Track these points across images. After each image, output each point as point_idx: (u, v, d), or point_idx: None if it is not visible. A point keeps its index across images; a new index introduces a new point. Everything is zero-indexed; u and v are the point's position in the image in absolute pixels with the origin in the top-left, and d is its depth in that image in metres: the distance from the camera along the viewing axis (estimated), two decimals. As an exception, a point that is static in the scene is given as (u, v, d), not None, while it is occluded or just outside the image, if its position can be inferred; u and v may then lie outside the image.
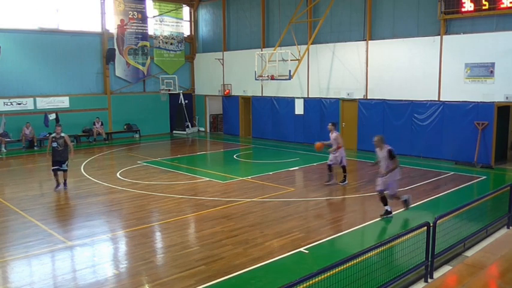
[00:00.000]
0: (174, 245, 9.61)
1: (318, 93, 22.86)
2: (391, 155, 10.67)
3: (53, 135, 14.45)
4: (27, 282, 7.92)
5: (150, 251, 9.40)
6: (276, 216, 11.46)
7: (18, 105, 23.22)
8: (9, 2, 22.78)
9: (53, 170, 14.46)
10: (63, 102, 24.67)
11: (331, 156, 14.55)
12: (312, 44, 22.00)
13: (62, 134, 14.31)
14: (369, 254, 6.70)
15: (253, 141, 24.99)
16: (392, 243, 7.37)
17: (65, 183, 14.62)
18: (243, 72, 25.52)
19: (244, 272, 8.10)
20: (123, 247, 9.77)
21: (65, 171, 14.56)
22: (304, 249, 9.12)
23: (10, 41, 22.61)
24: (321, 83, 22.70)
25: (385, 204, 11.00)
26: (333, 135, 14.30)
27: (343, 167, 14.59)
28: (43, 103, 23.97)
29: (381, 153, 10.87)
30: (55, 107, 24.28)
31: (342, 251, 9.15)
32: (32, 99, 23.61)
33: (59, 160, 14.32)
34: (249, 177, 15.92)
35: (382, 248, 7.02)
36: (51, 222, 11.23)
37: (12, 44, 22.65)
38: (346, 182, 14.57)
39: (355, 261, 6.38)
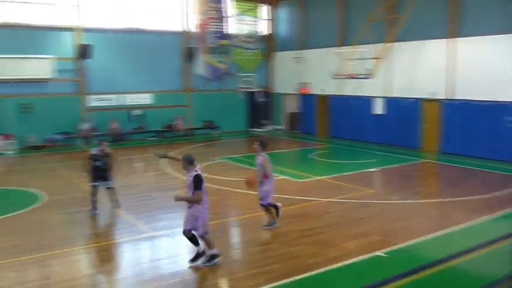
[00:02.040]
0: (249, 241, 9.74)
1: (398, 93, 22.19)
2: (196, 184, 7.99)
3: (95, 152, 11.77)
4: (108, 268, 8.36)
5: (225, 246, 9.58)
6: (353, 217, 11.27)
7: (106, 101, 24.56)
8: (100, 3, 24.14)
9: (93, 185, 11.64)
10: (147, 99, 25.76)
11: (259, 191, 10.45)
12: (392, 41, 21.39)
13: (108, 151, 11.90)
14: (452, 262, 6.40)
15: (331, 140, 24.72)
16: (477, 252, 6.99)
17: (116, 202, 12.18)
18: (321, 70, 25.30)
19: (319, 272, 8.04)
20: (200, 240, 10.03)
21: (111, 188, 12.07)
22: (382, 252, 8.89)
23: (101, 40, 23.95)
24: (401, 82, 22.01)
25: (196, 244, 8.45)
26: (259, 159, 10.23)
27: (266, 206, 10.44)
28: (129, 99, 25.18)
29: (188, 178, 8.21)
30: (139, 103, 25.42)
31: (422, 256, 8.81)
32: (119, 95, 24.87)
33: (102, 176, 11.77)
34: (326, 176, 15.77)
35: (466, 257, 6.68)
36: (136, 212, 11.76)
37: (102, 43, 23.98)
38: (276, 224, 10.50)
39: (435, 269, 6.13)
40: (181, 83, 27.06)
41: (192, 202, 8.09)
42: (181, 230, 10.00)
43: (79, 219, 11.35)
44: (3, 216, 11.42)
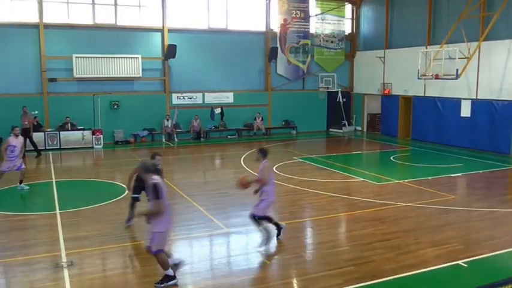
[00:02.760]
0: (324, 243, 9.65)
1: (488, 95, 20.95)
2: (153, 192, 7.17)
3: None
4: (187, 262, 8.63)
5: (300, 245, 9.57)
6: (433, 224, 10.81)
7: (188, 99, 25.38)
8: (185, 5, 24.97)
9: (135, 197, 10.49)
10: (228, 97, 26.29)
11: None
12: (484, 40, 20.24)
13: (160, 167, 9.98)
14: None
15: (412, 143, 23.87)
16: None
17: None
18: (405, 70, 24.49)
19: (394, 278, 7.80)
20: (274, 239, 10.09)
21: None
22: (463, 262, 8.45)
23: (184, 40, 24.79)
24: (492, 83, 20.75)
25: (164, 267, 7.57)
26: (260, 165, 9.69)
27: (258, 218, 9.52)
28: (210, 98, 25.85)
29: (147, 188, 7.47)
30: (220, 101, 26.02)
31: (506, 269, 8.29)
32: (200, 94, 25.61)
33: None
34: (406, 180, 15.25)
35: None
36: (212, 208, 12.05)
37: (186, 43, 24.81)
38: (267, 242, 9.43)
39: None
40: (262, 82, 27.33)
41: (156, 215, 7.21)
42: (255, 228, 10.10)
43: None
44: (91, 206, 12.17)
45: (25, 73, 22.24)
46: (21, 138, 14.46)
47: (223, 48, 25.88)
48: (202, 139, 24.86)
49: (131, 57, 23.45)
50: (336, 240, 9.99)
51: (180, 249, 9.36)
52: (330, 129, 28.83)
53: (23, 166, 14.18)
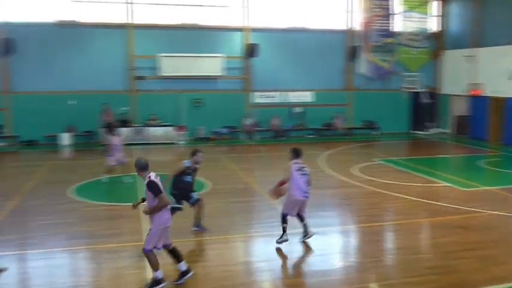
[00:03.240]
0: (405, 248, 9.34)
1: None
2: (151, 190, 7.08)
3: (188, 165, 9.82)
4: (264, 259, 8.72)
5: (379, 249, 9.34)
6: (525, 234, 10.13)
7: (268, 98, 25.58)
8: (267, 4, 25.17)
9: (177, 208, 9.74)
10: (307, 97, 26.19)
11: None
12: None
13: (199, 166, 10.12)
14: None
15: (504, 148, 22.44)
16: None
17: (198, 225, 10.18)
18: (496, 70, 23.09)
19: (481, 290, 7.40)
20: (353, 241, 9.92)
21: (197, 202, 10.12)
22: (559, 277, 7.84)
23: (266, 39, 24.99)
24: None
25: (178, 260, 7.57)
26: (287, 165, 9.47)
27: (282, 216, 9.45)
28: (290, 97, 25.88)
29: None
30: (300, 101, 25.98)
31: None
32: (280, 93, 25.71)
33: (188, 195, 10.03)
34: (495, 187, 14.38)
35: None
36: (290, 208, 12.03)
37: (267, 42, 25.00)
38: (284, 238, 9.36)
39: None
40: (343, 81, 26.94)
41: (157, 211, 7.15)
42: (333, 228, 9.99)
43: (239, 208, 12.02)
44: (174, 200, 12.60)
45: (114, 71, 23.52)
46: (120, 136, 15.75)
47: (303, 47, 25.80)
48: (281, 138, 24.94)
49: (213, 57, 24.04)
50: (418, 246, 9.64)
51: (259, 247, 9.46)
52: (413, 131, 27.83)
53: (125, 159, 15.20)
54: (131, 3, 23.46)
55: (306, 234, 9.52)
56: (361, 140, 24.78)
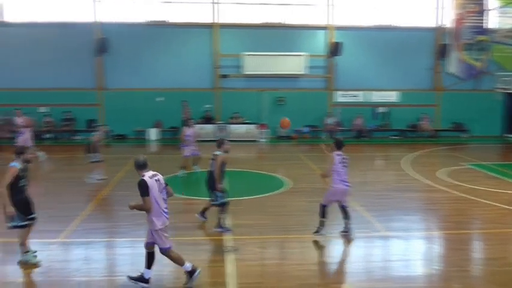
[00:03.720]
0: (495, 259, 8.78)
1: None
2: (139, 189, 6.93)
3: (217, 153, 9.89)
4: (339, 260, 8.58)
5: (466, 258, 8.85)
6: None
7: (351, 97, 25.14)
8: (353, 2, 24.71)
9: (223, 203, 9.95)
10: (392, 96, 25.42)
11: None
12: None
13: (217, 152, 9.94)
14: None
15: None
16: None
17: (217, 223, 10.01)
18: None
19: None
20: (437, 248, 9.49)
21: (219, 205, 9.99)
22: None
23: (350, 37, 24.57)
24: None
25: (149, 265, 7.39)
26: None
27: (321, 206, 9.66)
28: (374, 96, 25.26)
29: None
30: (384, 100, 25.28)
31: None
32: (364, 92, 25.17)
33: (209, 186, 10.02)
34: None
35: None
36: (371, 210, 11.73)
37: (352, 41, 24.56)
38: (321, 231, 9.59)
39: None
40: (431, 81, 25.86)
41: (144, 211, 7.08)
42: (416, 233, 9.62)
43: (317, 208, 11.91)
44: (254, 197, 12.77)
45: (200, 70, 24.23)
46: (194, 128, 16.17)
47: (388, 45, 25.07)
48: (364, 138, 24.41)
49: (297, 55, 24.01)
50: (509, 257, 9.02)
51: (335, 248, 9.33)
52: (507, 135, 26.10)
53: (199, 152, 15.70)
54: (217, 3, 24.04)
55: (347, 230, 9.60)
56: (448, 143, 23.64)
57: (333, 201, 9.63)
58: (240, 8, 24.31)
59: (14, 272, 7.68)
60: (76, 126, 24.10)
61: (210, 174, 9.90)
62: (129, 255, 8.88)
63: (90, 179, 14.40)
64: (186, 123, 16.55)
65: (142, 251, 9.01)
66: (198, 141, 16.13)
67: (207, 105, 24.08)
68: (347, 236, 9.56)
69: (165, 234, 7.24)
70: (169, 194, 7.34)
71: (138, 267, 7.72)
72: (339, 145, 9.67)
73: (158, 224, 7.09)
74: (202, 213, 10.42)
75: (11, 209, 7.88)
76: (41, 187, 14.00)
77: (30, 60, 23.63)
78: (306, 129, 24.61)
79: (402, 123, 25.32)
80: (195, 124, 17.08)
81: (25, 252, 8.23)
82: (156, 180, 7.05)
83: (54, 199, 12.49)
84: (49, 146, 22.00)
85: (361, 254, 9.06)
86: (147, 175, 7.00)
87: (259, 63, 23.88)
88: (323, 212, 9.60)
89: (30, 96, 23.56)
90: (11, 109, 23.04)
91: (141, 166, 7.08)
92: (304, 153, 20.17)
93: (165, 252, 7.28)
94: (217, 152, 9.86)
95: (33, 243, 9.49)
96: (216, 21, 24.06)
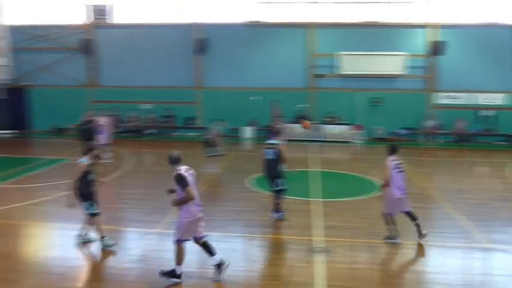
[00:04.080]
0: None
1: None
2: (179, 183, 7.21)
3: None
4: (439, 270, 8.19)
5: None
6: None
7: (454, 99, 23.85)
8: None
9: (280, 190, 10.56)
10: (499, 99, 23.75)
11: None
12: None
13: (276, 141, 10.49)
14: None
15: None
16: None
17: (276, 209, 10.64)
18: None
19: None
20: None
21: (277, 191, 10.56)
22: None
23: (455, 36, 23.30)
24: None
25: (211, 254, 7.62)
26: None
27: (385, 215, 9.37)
28: (478, 98, 23.76)
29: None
30: (489, 103, 23.68)
31: None
32: (467, 93, 23.75)
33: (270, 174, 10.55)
34: None
35: None
36: (470, 219, 11.07)
37: (456, 40, 23.28)
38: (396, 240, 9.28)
39: None
40: (544, 83, 23.84)
41: (183, 203, 7.32)
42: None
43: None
44: (347, 199, 12.59)
45: (295, 69, 24.32)
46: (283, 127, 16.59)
47: (497, 44, 23.38)
48: (465, 143, 23.09)
49: (395, 55, 23.26)
50: None
51: (433, 257, 8.93)
52: None
53: None
54: (314, 2, 23.96)
55: (420, 234, 9.25)
56: None
57: (396, 209, 9.24)
58: (336, 6, 24.03)
59: (115, 258, 8.21)
60: (176, 122, 25.24)
61: (269, 162, 10.31)
62: (221, 249, 9.11)
63: (206, 170, 15.27)
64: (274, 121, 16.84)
65: (234, 246, 9.25)
66: (290, 140, 16.22)
67: (301, 105, 24.11)
68: (424, 235, 9.27)
69: (201, 223, 7.52)
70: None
71: (229, 261, 7.92)
72: (393, 150, 9.49)
73: (191, 215, 7.36)
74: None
75: (70, 202, 8.78)
76: (143, 180, 14.89)
77: (135, 60, 25.17)
78: (402, 132, 23.77)
79: (510, 127, 23.54)
80: (287, 123, 17.32)
81: (102, 238, 8.95)
82: (190, 173, 7.40)
83: (154, 192, 13.20)
84: (150, 141, 23.33)
85: (458, 265, 8.60)
86: (183, 169, 7.33)
87: (355, 62, 23.47)
88: (388, 220, 9.30)
89: (134, 94, 25.11)
90: (118, 106, 24.82)
91: (175, 161, 7.40)
92: (401, 157, 19.44)
93: (176, 243, 7.47)
94: (275, 141, 10.40)
95: (133, 232, 10.13)
96: (311, 20, 23.99)
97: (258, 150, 21.17)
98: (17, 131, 24.37)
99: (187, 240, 7.53)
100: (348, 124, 23.51)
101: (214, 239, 9.60)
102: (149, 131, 24.96)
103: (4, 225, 9.84)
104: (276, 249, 9.12)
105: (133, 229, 10.25)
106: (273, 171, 10.33)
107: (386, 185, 9.20)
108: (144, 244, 9.24)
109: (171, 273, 7.49)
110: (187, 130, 25.04)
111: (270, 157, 10.32)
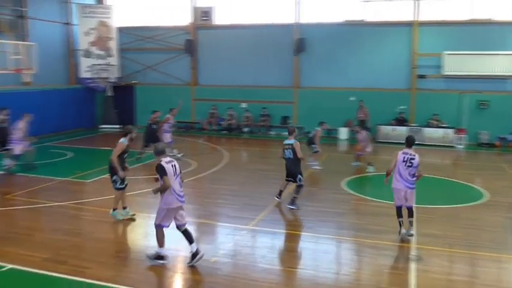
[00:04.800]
0: None
1: None
2: (158, 172, 7.88)
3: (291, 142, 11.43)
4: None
5: None
6: None
7: None
8: None
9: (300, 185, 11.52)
10: None
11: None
12: None
13: (291, 141, 11.38)
14: None
15: None
16: None
17: (292, 200, 11.54)
18: None
19: None
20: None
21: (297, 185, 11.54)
22: None
23: None
24: None
25: (189, 242, 8.15)
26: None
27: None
28: None
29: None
30: None
31: None
32: None
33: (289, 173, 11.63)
34: None
35: None
36: None
37: None
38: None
39: None
40: None
41: (161, 191, 7.95)
42: None
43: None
44: (447, 206, 11.98)
45: (396, 69, 23.53)
46: (365, 132, 16.91)
47: None
48: None
49: (506, 54, 21.64)
50: None
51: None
52: None
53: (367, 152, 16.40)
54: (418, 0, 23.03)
55: (410, 234, 9.39)
56: None
57: (400, 201, 9.47)
58: (442, 4, 22.86)
59: (207, 251, 8.52)
60: (271, 122, 25.54)
61: (290, 161, 11.30)
62: (312, 250, 9.13)
63: (312, 166, 15.99)
64: (361, 124, 16.66)
65: (325, 248, 9.22)
66: (389, 143, 15.79)
67: (401, 107, 23.26)
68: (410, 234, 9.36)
69: (180, 212, 8.07)
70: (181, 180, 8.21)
71: (319, 262, 7.89)
72: (408, 142, 9.55)
73: (167, 202, 7.92)
74: (294, 197, 11.54)
75: (123, 173, 10.14)
76: (238, 176, 15.25)
77: (235, 59, 25.83)
78: (511, 137, 22.07)
79: None
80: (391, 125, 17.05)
81: (114, 210, 10.43)
82: (171, 165, 7.97)
83: (248, 189, 13.49)
84: (246, 139, 23.82)
85: None
86: (164, 160, 7.94)
87: (461, 63, 22.15)
88: (398, 213, 9.56)
89: (233, 93, 25.78)
90: (217, 104, 25.69)
91: (160, 152, 8.13)
92: (508, 163, 18.15)
93: (156, 227, 8.11)
94: (291, 141, 11.30)
95: (226, 227, 10.45)
96: (415, 18, 23.05)
97: (352, 151, 21.00)
98: (123, 126, 26.16)
99: (166, 226, 8.06)
100: (450, 128, 22.30)
101: (306, 240, 9.67)
102: (245, 129, 25.49)
103: (106, 213, 10.56)
104: (368, 253, 8.92)
105: (226, 224, 10.55)
106: (293, 168, 11.31)
107: (387, 174, 9.60)
108: (236, 240, 9.47)
109: (156, 256, 8.13)
110: (283, 129, 25.21)
111: (288, 157, 11.30)
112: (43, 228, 10.35)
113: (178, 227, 8.15)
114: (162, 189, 7.89)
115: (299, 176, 11.35)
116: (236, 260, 8.49)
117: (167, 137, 17.40)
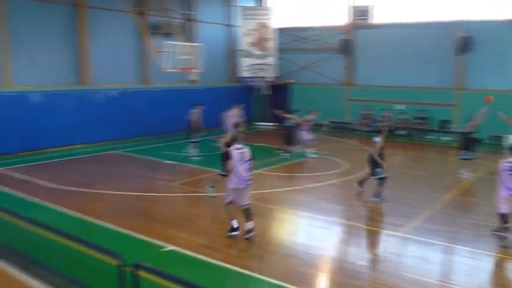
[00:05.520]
0: None
1: None
2: (223, 156, 10.13)
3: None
4: None
5: None
6: None
7: None
8: None
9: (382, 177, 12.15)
10: None
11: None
12: None
13: (377, 139, 12.18)
14: None
15: None
16: None
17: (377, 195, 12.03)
18: None
19: None
20: None
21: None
22: None
23: None
24: None
25: (246, 220, 9.27)
26: None
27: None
28: None
29: None
30: None
31: None
32: None
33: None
34: None
35: None
36: None
37: None
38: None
39: None
40: None
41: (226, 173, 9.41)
42: None
43: None
44: None
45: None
46: None
47: None
48: None
49: None
50: None
51: None
52: None
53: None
54: None
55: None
56: None
57: (506, 209, 9.07)
58: None
59: (354, 255, 8.38)
60: (429, 125, 24.14)
61: (371, 156, 12.09)
62: (467, 265, 8.50)
63: (462, 174, 15.18)
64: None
65: (483, 265, 8.59)
66: None
67: None
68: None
69: (243, 193, 9.07)
70: (251, 166, 9.22)
71: (474, 279, 7.31)
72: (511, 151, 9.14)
73: (231, 183, 9.08)
74: (361, 183, 12.62)
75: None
76: (391, 181, 14.75)
77: (394, 59, 24.96)
78: None
79: None
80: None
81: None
82: (239, 152, 9.00)
83: (402, 194, 12.91)
84: (402, 142, 22.85)
85: None
86: (233, 147, 9.07)
87: None
88: (503, 220, 9.14)
89: (388, 94, 24.93)
90: (372, 105, 25.15)
91: (234, 141, 9.29)
92: None
93: (224, 204, 9.33)
94: (377, 139, 12.00)
95: (374, 231, 10.25)
96: None
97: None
98: (277, 124, 26.83)
99: (232, 203, 9.14)
100: None
101: (459, 253, 8.97)
102: (400, 132, 24.47)
103: (260, 207, 10.99)
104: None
105: (375, 229, 10.30)
106: (372, 162, 12.08)
107: (493, 173, 9.36)
108: (384, 246, 9.22)
109: (231, 229, 9.23)
110: (441, 134, 23.70)
111: (371, 152, 12.13)
112: (203, 215, 11.19)
113: (241, 206, 9.16)
114: (228, 172, 9.18)
115: (376, 170, 12.02)
116: (382, 266, 8.25)
117: (306, 136, 18.35)
